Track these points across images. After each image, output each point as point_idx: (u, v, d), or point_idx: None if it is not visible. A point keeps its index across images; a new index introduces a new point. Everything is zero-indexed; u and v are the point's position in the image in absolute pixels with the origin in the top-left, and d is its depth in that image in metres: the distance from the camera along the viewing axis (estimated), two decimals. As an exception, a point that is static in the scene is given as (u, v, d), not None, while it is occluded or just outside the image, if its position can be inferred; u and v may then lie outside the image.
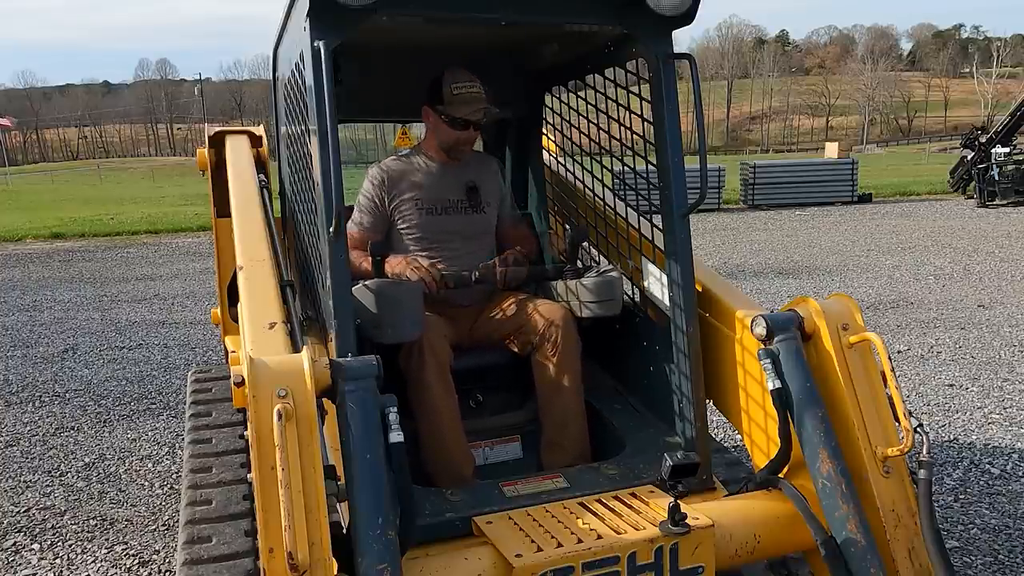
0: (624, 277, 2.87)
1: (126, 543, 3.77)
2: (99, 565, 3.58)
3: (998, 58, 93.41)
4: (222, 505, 2.47)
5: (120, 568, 3.55)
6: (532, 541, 1.94)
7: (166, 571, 3.53)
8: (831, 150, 34.31)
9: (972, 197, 20.25)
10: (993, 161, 19.31)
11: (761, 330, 2.22)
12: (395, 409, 1.84)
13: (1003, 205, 19.15)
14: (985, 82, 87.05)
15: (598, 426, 2.77)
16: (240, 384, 1.74)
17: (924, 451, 2.01)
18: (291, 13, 2.49)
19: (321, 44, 2.04)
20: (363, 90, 3.16)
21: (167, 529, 3.91)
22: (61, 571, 3.55)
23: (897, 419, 2.10)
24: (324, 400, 1.85)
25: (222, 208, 3.60)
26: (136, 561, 3.61)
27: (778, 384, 2.13)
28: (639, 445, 2.55)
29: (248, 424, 1.71)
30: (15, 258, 14.42)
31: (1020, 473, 4.34)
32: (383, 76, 3.21)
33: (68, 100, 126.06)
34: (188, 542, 2.30)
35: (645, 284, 2.74)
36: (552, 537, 1.96)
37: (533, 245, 3.25)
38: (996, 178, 19.25)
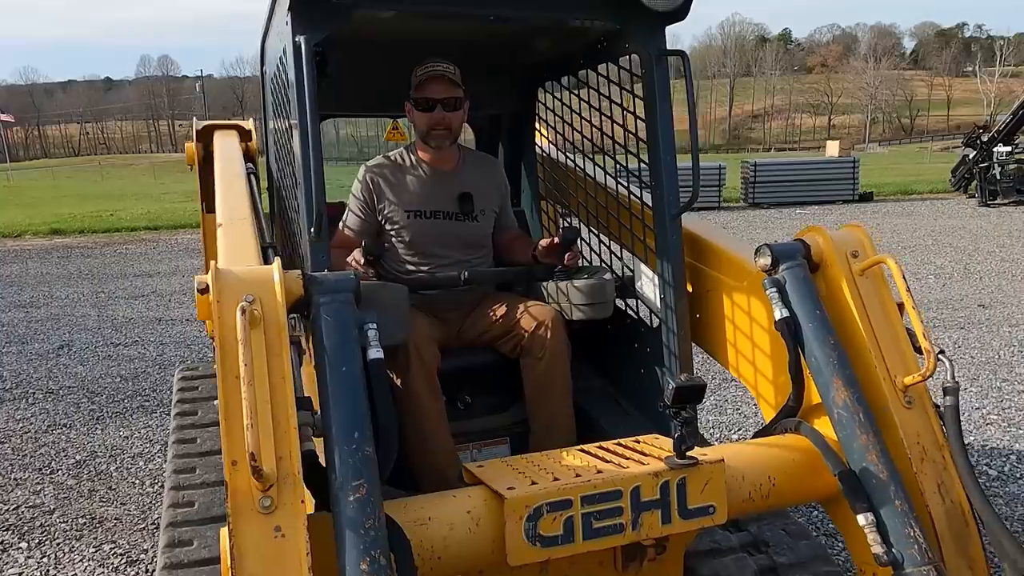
0: (615, 277, 2.83)
1: (114, 542, 3.75)
2: (86, 564, 3.55)
3: (1001, 57, 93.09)
4: (204, 507, 2.43)
5: (107, 567, 3.52)
6: (526, 477, 1.79)
7: (154, 571, 3.50)
8: (832, 149, 34.19)
9: (974, 196, 20.18)
10: (995, 160, 19.24)
11: (766, 260, 2.10)
12: (375, 326, 1.74)
13: (1005, 204, 19.08)
14: (988, 81, 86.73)
15: (587, 428, 2.73)
16: (204, 291, 1.59)
17: (948, 376, 1.84)
18: (275, 7, 2.45)
19: (303, 39, 2.00)
20: (353, 83, 3.11)
21: (156, 528, 3.87)
22: (48, 570, 3.52)
23: (917, 347, 1.95)
24: (301, 341, 1.71)
25: (210, 203, 3.55)
26: (124, 560, 3.58)
27: (785, 313, 2.00)
28: None
29: (213, 335, 1.58)
30: (13, 254, 14.40)
31: (1018, 475, 4.30)
32: (373, 69, 3.15)
33: (70, 96, 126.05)
34: (169, 545, 2.26)
35: (637, 284, 2.69)
36: (548, 473, 1.80)
37: (529, 251, 3.19)
38: (998, 177, 19.19)
